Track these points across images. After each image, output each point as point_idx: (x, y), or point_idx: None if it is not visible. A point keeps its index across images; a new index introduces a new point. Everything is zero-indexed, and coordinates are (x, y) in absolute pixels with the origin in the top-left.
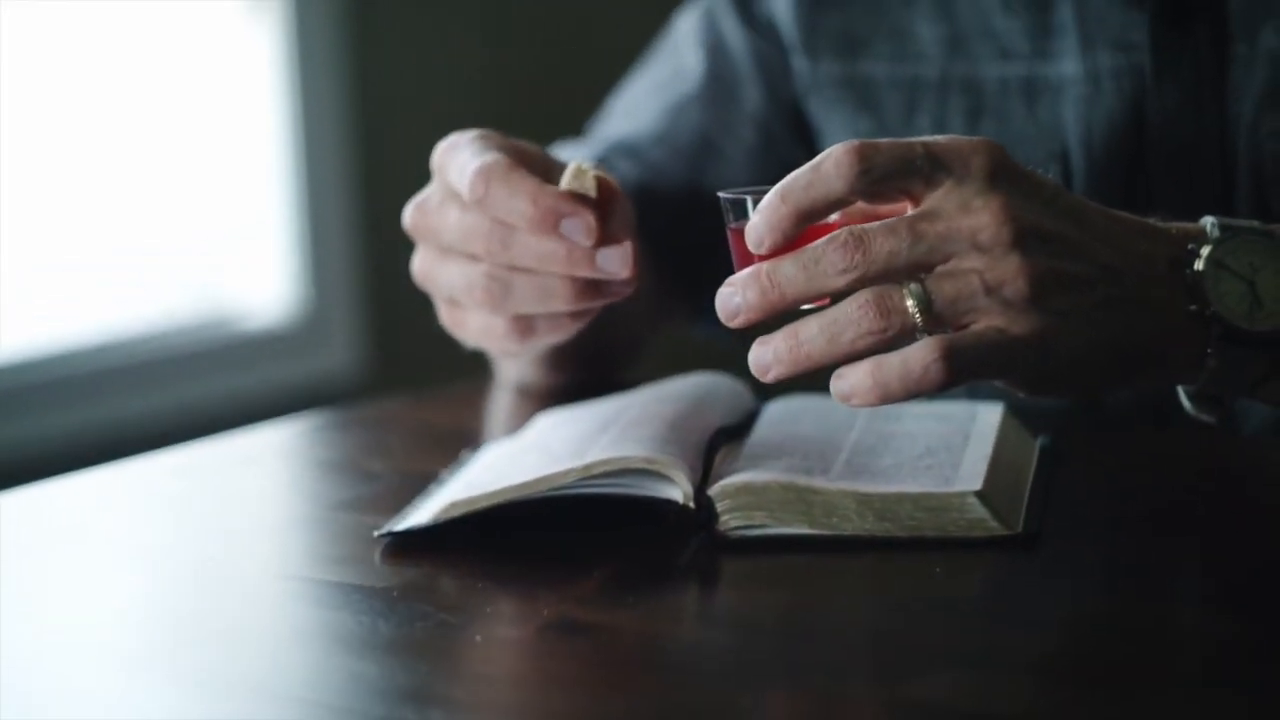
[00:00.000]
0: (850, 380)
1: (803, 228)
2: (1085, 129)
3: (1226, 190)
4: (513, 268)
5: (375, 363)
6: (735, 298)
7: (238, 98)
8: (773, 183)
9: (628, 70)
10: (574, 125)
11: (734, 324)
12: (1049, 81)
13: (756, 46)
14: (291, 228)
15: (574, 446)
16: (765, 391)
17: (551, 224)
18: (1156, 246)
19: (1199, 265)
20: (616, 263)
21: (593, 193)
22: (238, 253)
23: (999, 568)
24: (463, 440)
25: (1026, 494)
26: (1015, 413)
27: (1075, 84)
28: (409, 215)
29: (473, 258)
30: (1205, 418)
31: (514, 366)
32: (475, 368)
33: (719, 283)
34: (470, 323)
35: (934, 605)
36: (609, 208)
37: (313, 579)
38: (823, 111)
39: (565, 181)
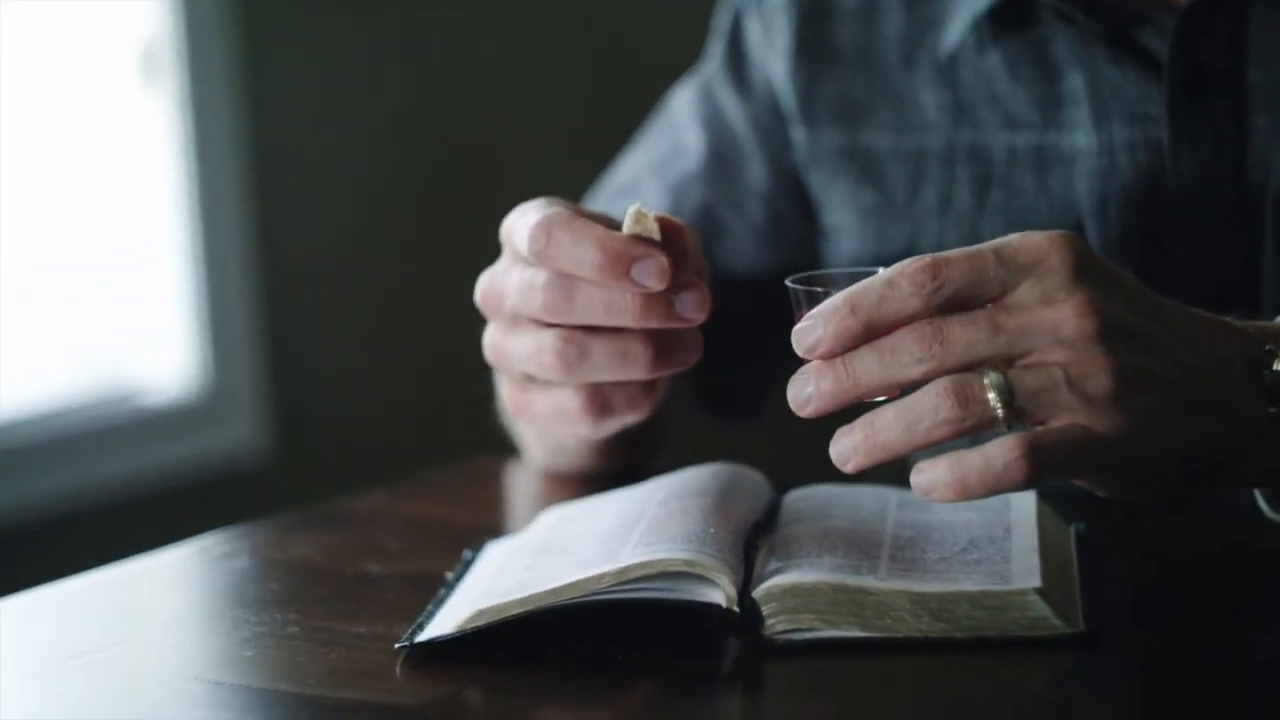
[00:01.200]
0: (929, 474)
1: (864, 341)
2: (1099, 202)
3: (1249, 265)
4: (583, 327)
5: (279, 438)
6: (808, 387)
7: (134, 169)
8: (782, 263)
9: (539, 139)
10: (476, 193)
11: (805, 413)
12: (1060, 152)
13: (756, 117)
14: (191, 302)
15: (599, 548)
16: (779, 480)
17: (622, 269)
18: (1233, 346)
19: (1278, 366)
20: (693, 307)
21: (657, 236)
22: (137, 328)
23: (1061, 668)
24: (458, 537)
25: (1077, 587)
26: (1046, 499)
27: (1088, 156)
28: (479, 288)
29: (540, 323)
30: None
31: (552, 446)
32: (381, 446)
33: (726, 367)
34: (539, 403)
35: (999, 710)
36: (676, 250)
37: (334, 699)
38: (823, 183)
39: (626, 227)
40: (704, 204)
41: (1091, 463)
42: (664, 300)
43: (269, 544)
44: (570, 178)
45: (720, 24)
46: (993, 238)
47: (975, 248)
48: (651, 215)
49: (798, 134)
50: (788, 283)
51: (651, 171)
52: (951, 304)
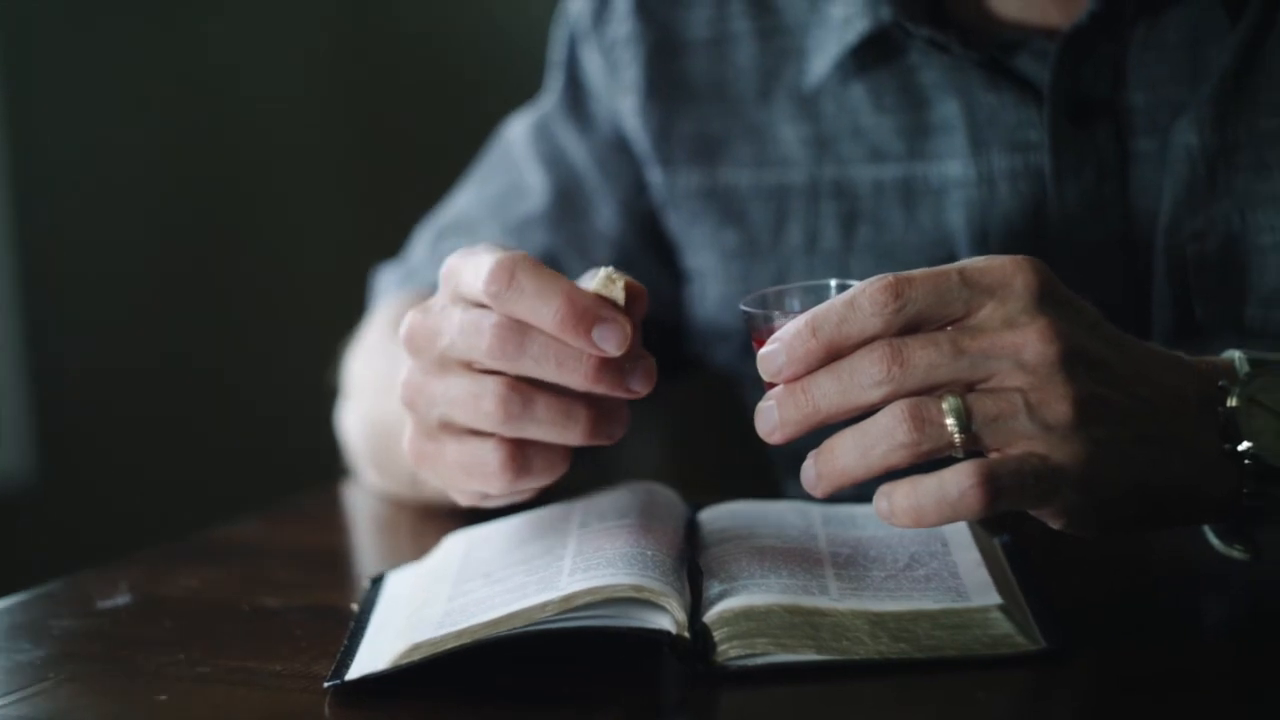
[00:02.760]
0: (887, 500)
1: (828, 362)
2: (979, 232)
3: (1136, 292)
4: (524, 380)
5: (44, 462)
6: (773, 414)
7: None
8: None
9: (307, 148)
10: (248, 203)
11: (773, 440)
12: (929, 183)
13: (600, 156)
14: None
15: (529, 575)
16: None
17: (586, 328)
18: (1188, 382)
19: (1232, 402)
20: (642, 380)
21: (621, 302)
22: None
23: (1023, 687)
24: (347, 566)
25: (1024, 602)
26: None
27: (964, 186)
28: (407, 322)
29: (470, 367)
30: (1235, 554)
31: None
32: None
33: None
34: (451, 453)
35: None
36: (635, 318)
37: None
38: (684, 226)
39: (595, 286)
40: (546, 248)
41: (1048, 493)
42: (616, 367)
43: (148, 579)
44: (339, 192)
45: (556, 55)
46: (861, 276)
47: (939, 268)
48: (622, 282)
49: (654, 175)
50: (742, 306)
51: (489, 210)
52: (913, 325)
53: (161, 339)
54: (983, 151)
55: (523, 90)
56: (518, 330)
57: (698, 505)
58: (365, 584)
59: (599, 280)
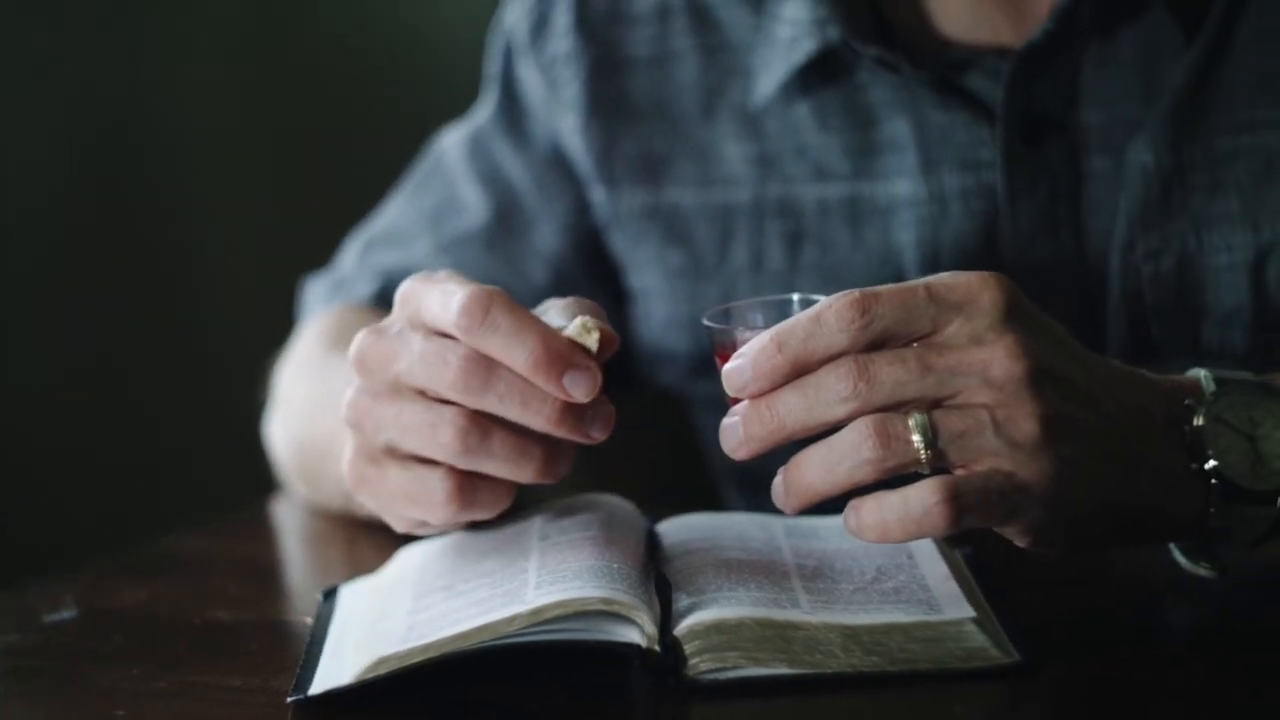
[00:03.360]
0: (855, 517)
1: (794, 378)
2: (930, 253)
3: (1090, 313)
4: (482, 414)
5: None
6: (738, 430)
7: None
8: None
9: (205, 150)
10: (140, 203)
11: (738, 456)
12: (875, 203)
13: (538, 175)
14: None
15: (492, 588)
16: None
17: (558, 373)
18: (1154, 400)
19: (1198, 421)
20: (601, 426)
21: (594, 350)
22: None
23: (997, 701)
24: (296, 579)
25: (992, 615)
26: None
27: (914, 205)
28: (359, 343)
29: (424, 395)
30: (1202, 572)
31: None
32: None
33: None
34: (394, 479)
35: None
36: (603, 365)
37: None
38: (628, 246)
39: (571, 331)
40: (482, 267)
41: (1014, 510)
42: (579, 412)
43: (94, 592)
44: (239, 193)
45: (492, 68)
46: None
47: (905, 284)
48: (597, 333)
49: (596, 195)
50: (705, 321)
51: (423, 224)
52: (879, 341)
53: (71, 345)
54: (934, 170)
55: (437, 94)
56: (485, 366)
57: (654, 518)
58: (317, 597)
59: (575, 328)
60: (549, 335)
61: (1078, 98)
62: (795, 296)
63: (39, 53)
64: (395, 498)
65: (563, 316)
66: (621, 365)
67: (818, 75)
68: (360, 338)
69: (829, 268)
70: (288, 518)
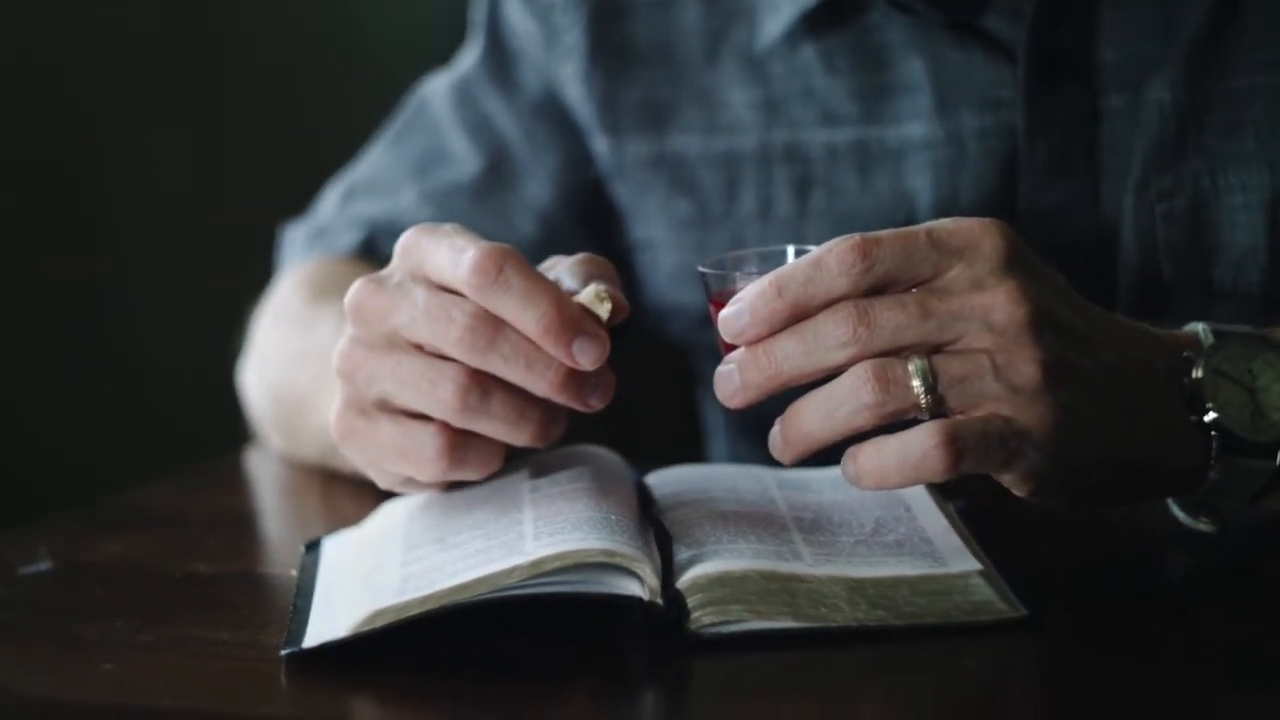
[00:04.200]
0: (853, 463)
1: (793, 324)
2: (948, 195)
3: (1103, 252)
4: (482, 373)
5: None
6: (734, 377)
7: None
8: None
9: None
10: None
11: (733, 405)
12: (885, 145)
13: (528, 127)
14: None
15: (488, 539)
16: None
17: (568, 338)
18: (1154, 352)
19: (1197, 373)
20: (600, 395)
21: (604, 318)
22: None
23: (1003, 654)
24: (272, 531)
25: (993, 568)
26: None
27: (929, 148)
28: (356, 292)
29: (422, 349)
30: (1202, 527)
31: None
32: None
33: None
34: (385, 432)
35: (945, 699)
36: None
37: (224, 713)
38: (633, 196)
39: (583, 299)
40: (470, 217)
41: (1012, 456)
42: (581, 380)
43: (68, 545)
44: (173, 156)
45: (478, 15)
46: (817, 242)
47: (906, 229)
48: (609, 303)
49: (598, 144)
50: (700, 269)
51: (407, 173)
52: (880, 286)
53: (31, 298)
54: (951, 111)
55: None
56: (492, 325)
57: (640, 470)
58: (299, 550)
59: (588, 294)
60: (562, 300)
61: (1096, 35)
62: (790, 248)
63: None
64: (384, 452)
65: (572, 278)
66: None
67: (825, 18)
68: (358, 286)
69: (838, 213)
70: (259, 469)
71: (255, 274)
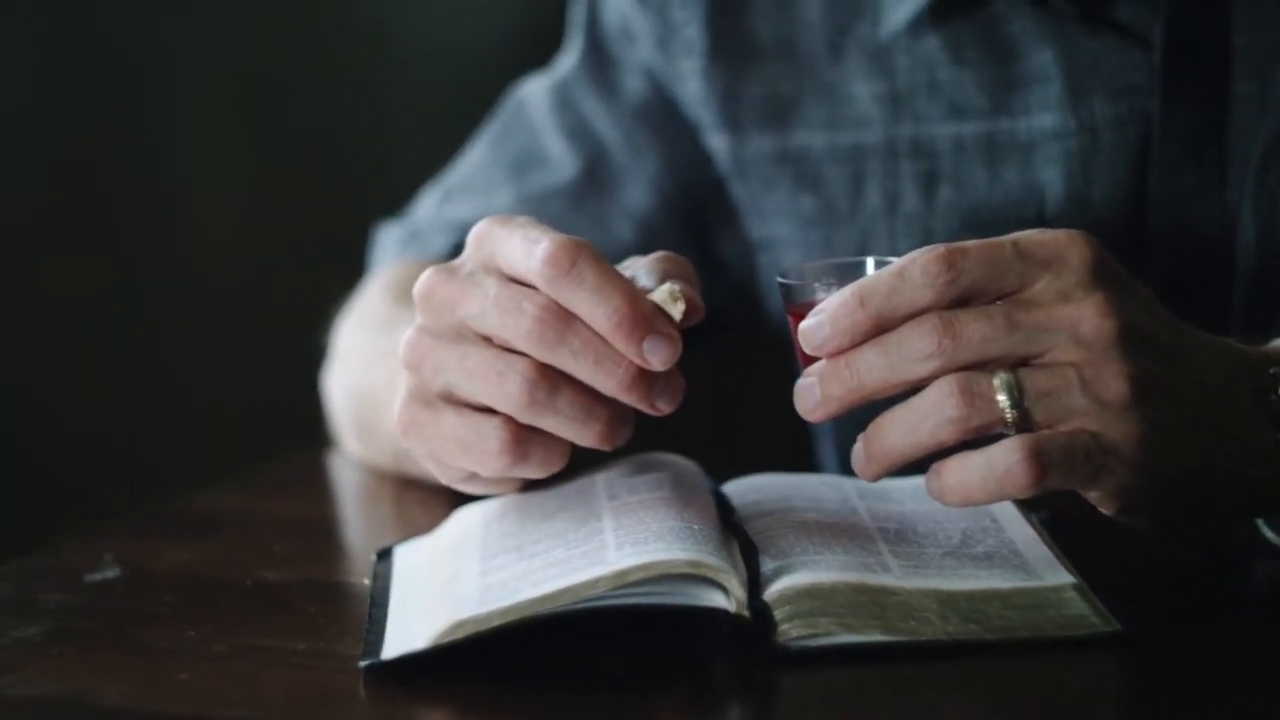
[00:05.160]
0: (937, 480)
1: (876, 335)
2: (1080, 185)
3: (1224, 238)
4: (551, 368)
5: None
6: (814, 390)
7: None
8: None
9: (186, 124)
10: (119, 175)
11: (814, 418)
12: (1014, 138)
13: (629, 130)
14: None
15: (568, 549)
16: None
17: (640, 336)
18: (1240, 370)
19: None
20: (668, 399)
21: (677, 319)
22: None
23: (1099, 671)
24: (342, 537)
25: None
26: None
27: (1061, 138)
28: (426, 280)
29: (490, 341)
30: None
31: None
32: None
33: None
34: (448, 424)
35: (1044, 718)
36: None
37: None
38: (754, 194)
39: (657, 298)
40: (568, 223)
41: (1098, 472)
42: (650, 380)
43: (134, 550)
44: (220, 165)
45: (576, 17)
46: (946, 239)
47: (991, 240)
48: (683, 303)
49: (716, 142)
50: (778, 279)
51: (505, 175)
52: (965, 297)
53: (81, 309)
54: (1083, 100)
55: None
56: (563, 319)
57: (716, 479)
58: (371, 558)
59: (662, 293)
60: (635, 296)
61: (1230, 21)
62: (870, 260)
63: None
64: (446, 444)
65: (649, 276)
66: (747, 318)
67: (950, 6)
68: (428, 275)
69: (966, 208)
70: (326, 474)
71: (336, 274)
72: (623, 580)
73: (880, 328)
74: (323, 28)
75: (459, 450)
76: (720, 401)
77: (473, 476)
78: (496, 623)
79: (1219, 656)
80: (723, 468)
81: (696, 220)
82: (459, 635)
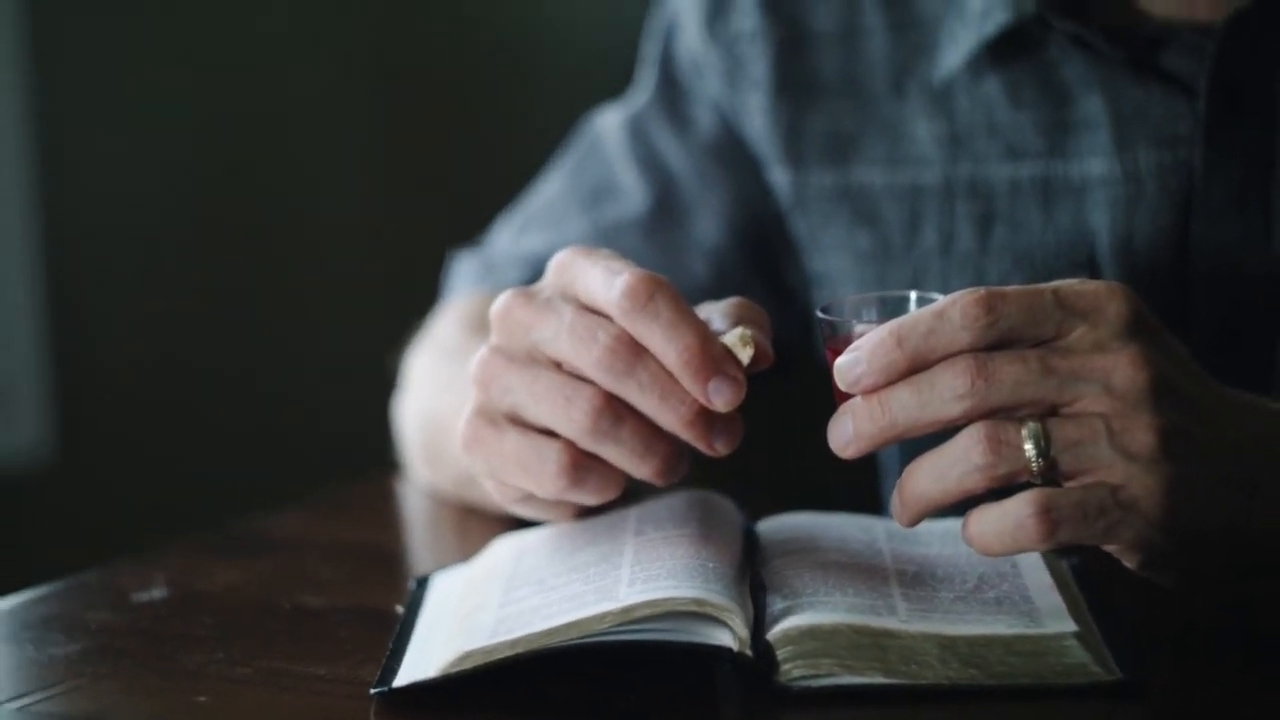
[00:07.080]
0: (967, 526)
1: (909, 375)
2: (1125, 234)
3: (1273, 288)
4: (617, 399)
5: (64, 440)
6: (848, 427)
7: None
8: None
9: (334, 139)
10: (272, 192)
11: (846, 454)
12: (1069, 182)
13: (701, 163)
14: None
15: (584, 584)
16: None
17: (707, 375)
18: (1272, 428)
19: None
20: (726, 440)
21: (745, 362)
22: None
23: (1103, 718)
24: (392, 565)
25: (1096, 629)
26: None
27: (1109, 185)
28: (505, 300)
29: (559, 366)
30: None
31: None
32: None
33: None
34: (510, 443)
35: None
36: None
37: None
38: (813, 228)
39: (729, 340)
40: (640, 256)
41: (1114, 526)
42: (711, 420)
43: (185, 571)
44: (367, 177)
45: (652, 51)
46: (999, 279)
47: (1032, 286)
48: (753, 347)
49: (778, 176)
50: (819, 314)
51: (580, 205)
52: (1002, 342)
53: (188, 322)
54: (1129, 148)
55: (556, 85)
56: (634, 351)
57: (753, 516)
58: (410, 585)
59: (734, 336)
60: (707, 336)
61: (1277, 71)
62: (913, 294)
63: (161, 43)
64: (507, 463)
65: (723, 321)
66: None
67: (1007, 49)
68: (507, 296)
69: (1020, 250)
70: (389, 499)
71: (404, 299)
72: (629, 616)
73: (915, 367)
74: (475, 39)
75: (518, 469)
76: (788, 434)
77: (529, 498)
78: (504, 654)
79: (1228, 708)
80: (788, 501)
81: (765, 253)
82: (467, 666)
